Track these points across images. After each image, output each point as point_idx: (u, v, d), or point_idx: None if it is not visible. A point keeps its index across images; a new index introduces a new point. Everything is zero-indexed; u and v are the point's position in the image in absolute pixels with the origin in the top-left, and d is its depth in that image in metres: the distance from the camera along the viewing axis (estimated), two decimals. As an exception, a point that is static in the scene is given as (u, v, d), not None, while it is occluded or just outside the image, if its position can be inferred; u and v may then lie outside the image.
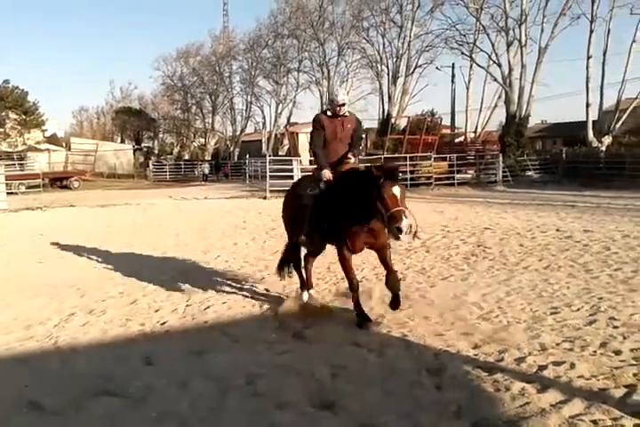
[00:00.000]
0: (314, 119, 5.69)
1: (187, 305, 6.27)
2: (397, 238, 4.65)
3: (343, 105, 5.42)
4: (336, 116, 5.52)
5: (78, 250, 9.99)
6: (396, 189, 4.62)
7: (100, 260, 9.07)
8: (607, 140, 27.93)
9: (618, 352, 4.33)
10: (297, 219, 5.77)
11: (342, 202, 5.06)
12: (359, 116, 6.30)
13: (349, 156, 5.61)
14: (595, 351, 4.38)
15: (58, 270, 8.47)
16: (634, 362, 4.12)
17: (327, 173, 5.45)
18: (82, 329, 5.54)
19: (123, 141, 61.35)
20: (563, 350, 4.43)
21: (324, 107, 31.53)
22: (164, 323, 5.67)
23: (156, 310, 6.12)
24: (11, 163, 34.45)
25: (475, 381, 3.95)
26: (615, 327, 4.93)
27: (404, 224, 4.48)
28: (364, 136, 6.40)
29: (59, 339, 5.25)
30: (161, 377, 4.22)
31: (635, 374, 3.89)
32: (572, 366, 4.08)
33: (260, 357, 4.60)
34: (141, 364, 4.57)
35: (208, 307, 6.14)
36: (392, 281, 5.26)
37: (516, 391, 3.71)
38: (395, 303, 5.31)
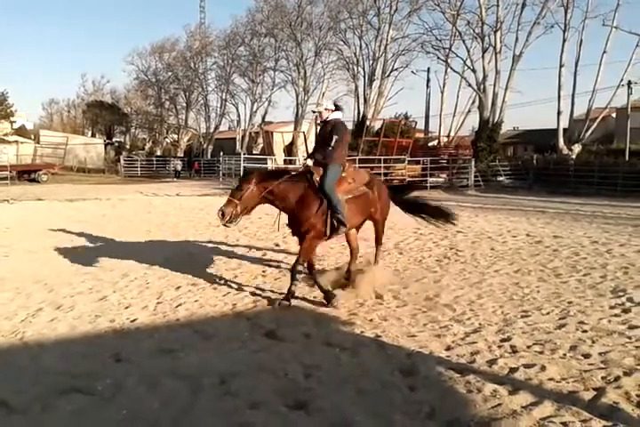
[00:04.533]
0: None
1: (158, 302, 6.18)
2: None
3: (319, 113, 6.31)
4: (321, 122, 6.42)
5: (46, 244, 9.77)
6: None
7: (68, 255, 8.88)
8: (577, 148, 28.44)
9: (587, 356, 4.41)
10: None
11: None
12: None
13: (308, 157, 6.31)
14: (564, 354, 4.46)
15: (24, 265, 8.27)
16: (602, 365, 4.20)
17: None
18: (49, 325, 5.41)
19: (94, 135, 60.38)
20: (533, 353, 4.50)
21: (299, 107, 31.93)
22: (135, 320, 5.57)
23: (127, 307, 6.02)
24: (-23, 154, 33.59)
25: (447, 382, 3.98)
26: (584, 331, 5.02)
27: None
28: (335, 138, 6.77)
29: (25, 334, 5.12)
30: (131, 375, 4.14)
31: (603, 378, 3.97)
32: (543, 368, 4.14)
33: (233, 355, 4.55)
34: (111, 361, 4.49)
35: (180, 304, 6.05)
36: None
37: (488, 393, 3.75)
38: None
